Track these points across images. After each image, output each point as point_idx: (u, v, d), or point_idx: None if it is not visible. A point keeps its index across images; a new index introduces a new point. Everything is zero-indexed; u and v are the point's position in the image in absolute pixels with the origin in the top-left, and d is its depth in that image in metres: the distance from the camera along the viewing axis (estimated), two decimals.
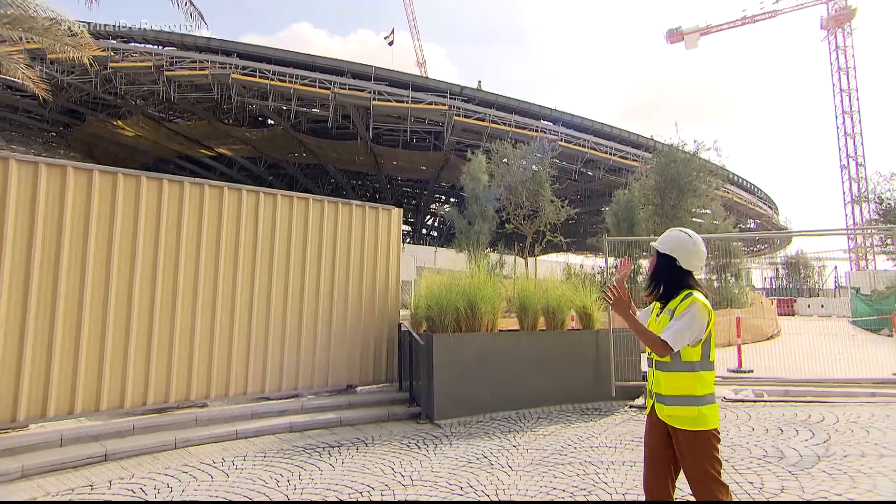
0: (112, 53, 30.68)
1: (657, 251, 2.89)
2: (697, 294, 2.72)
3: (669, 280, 2.84)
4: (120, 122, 37.71)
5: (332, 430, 6.39)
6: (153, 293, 6.18)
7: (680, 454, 2.67)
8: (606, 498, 4.13)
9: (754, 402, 7.57)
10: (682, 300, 2.72)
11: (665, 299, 2.83)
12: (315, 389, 7.37)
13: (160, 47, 33.13)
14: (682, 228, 2.96)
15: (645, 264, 18.12)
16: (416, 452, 5.45)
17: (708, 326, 2.68)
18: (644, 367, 8.23)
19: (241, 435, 5.96)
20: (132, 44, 33.01)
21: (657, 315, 2.87)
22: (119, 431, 5.54)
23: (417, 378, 7.29)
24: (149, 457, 5.24)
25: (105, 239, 5.93)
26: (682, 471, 2.74)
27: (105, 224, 5.94)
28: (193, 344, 6.41)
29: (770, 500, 4.05)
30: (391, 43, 52.73)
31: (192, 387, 6.37)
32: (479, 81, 39.33)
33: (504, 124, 32.84)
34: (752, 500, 4.04)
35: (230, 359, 6.68)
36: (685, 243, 2.84)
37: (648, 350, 2.79)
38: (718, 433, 2.67)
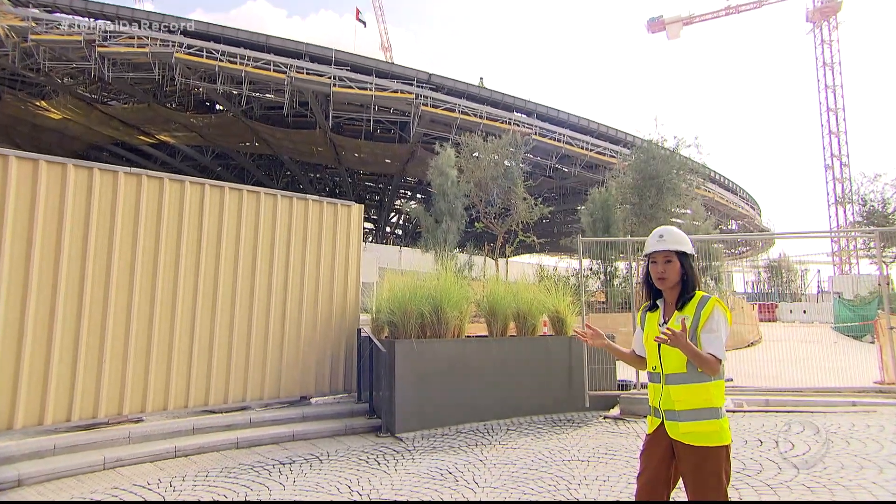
0: (33, 24, 29.46)
1: (678, 253, 2.77)
2: (714, 296, 2.68)
3: (693, 283, 2.77)
4: (44, 103, 36.28)
5: (283, 445, 6.31)
6: (81, 294, 5.97)
7: (694, 473, 2.58)
8: None
9: (733, 412, 7.79)
10: (700, 305, 2.66)
11: (679, 305, 2.74)
12: (265, 401, 7.26)
13: (91, 20, 32.02)
14: (669, 227, 2.93)
15: (622, 267, 18.48)
16: (375, 469, 5.43)
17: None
18: (620, 376, 8.39)
19: (181, 452, 5.82)
20: (58, 14, 31.81)
21: (660, 323, 2.78)
22: (37, 452, 5.32)
23: (378, 388, 7.26)
24: (72, 480, 5.06)
25: (24, 234, 5.70)
26: (674, 489, 2.69)
27: (24, 218, 5.72)
28: (128, 351, 6.23)
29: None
30: (364, 23, 52.39)
31: (126, 400, 6.18)
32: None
33: (475, 115, 33.01)
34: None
35: (170, 368, 6.52)
36: (690, 240, 2.84)
37: (653, 363, 2.74)
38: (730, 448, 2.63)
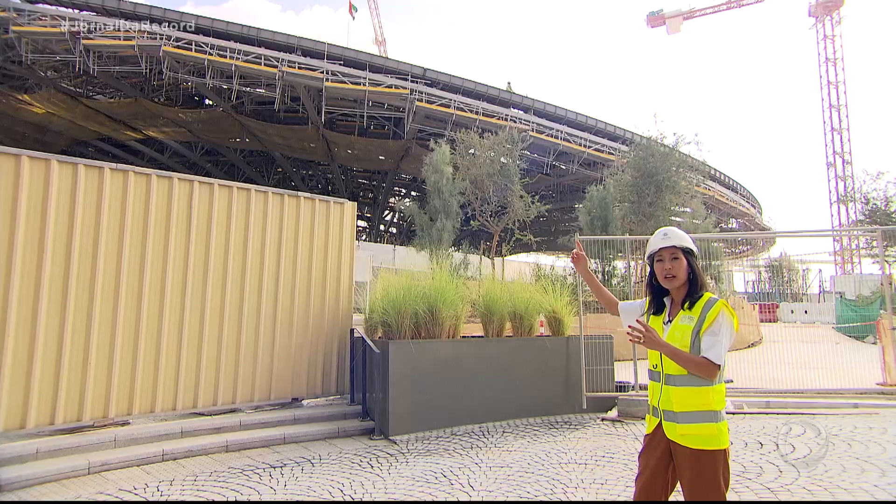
0: (14, 14, 29.21)
1: (685, 250, 2.80)
2: (721, 298, 2.69)
3: (701, 282, 2.78)
4: (27, 97, 36.03)
5: (274, 448, 6.30)
6: (65, 294, 5.95)
7: (691, 476, 2.59)
8: None
9: (733, 414, 7.83)
10: (706, 307, 2.66)
11: (686, 304, 2.75)
12: (256, 403, 7.25)
13: (76, 11, 31.80)
14: (672, 227, 2.95)
15: (620, 266, 18.52)
16: (368, 472, 5.43)
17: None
18: (618, 377, 8.42)
19: (169, 456, 5.81)
20: (41, 5, 31.58)
21: (665, 321, 2.81)
22: (19, 456, 5.30)
23: (371, 390, 7.26)
24: (56, 485, 5.05)
25: (6, 233, 5.68)
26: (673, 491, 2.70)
27: (6, 217, 5.69)
28: (114, 352, 6.21)
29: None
30: (353, 17, 52.31)
31: (112, 402, 6.17)
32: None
33: (471, 111, 32.95)
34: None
35: (157, 369, 6.50)
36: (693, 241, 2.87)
37: (654, 362, 2.74)
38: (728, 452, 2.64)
